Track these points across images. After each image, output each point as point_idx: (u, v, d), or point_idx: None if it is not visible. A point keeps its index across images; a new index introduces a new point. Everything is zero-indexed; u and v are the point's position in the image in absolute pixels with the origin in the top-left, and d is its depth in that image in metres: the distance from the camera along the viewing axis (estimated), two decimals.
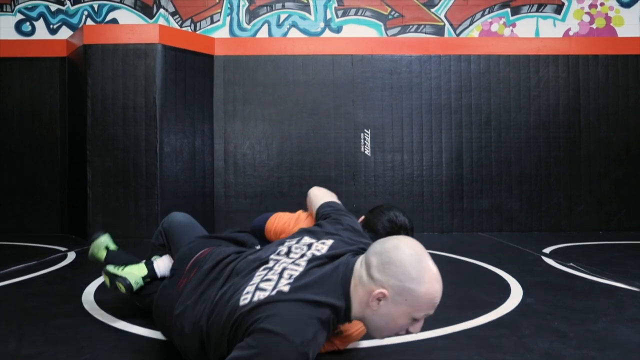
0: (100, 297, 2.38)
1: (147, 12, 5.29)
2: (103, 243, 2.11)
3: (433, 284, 1.15)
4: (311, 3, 5.29)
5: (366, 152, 5.13)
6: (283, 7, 5.28)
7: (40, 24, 5.34)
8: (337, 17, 5.31)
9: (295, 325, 1.07)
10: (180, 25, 5.30)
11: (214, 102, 5.18)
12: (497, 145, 5.14)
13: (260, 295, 1.15)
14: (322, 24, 5.30)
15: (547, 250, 3.88)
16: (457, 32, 5.29)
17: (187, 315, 1.30)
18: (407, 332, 1.23)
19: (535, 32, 5.31)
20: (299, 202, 5.08)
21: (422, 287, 1.14)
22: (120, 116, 4.68)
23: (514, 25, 5.30)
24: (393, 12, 5.27)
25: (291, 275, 1.20)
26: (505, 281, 2.73)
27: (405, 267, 1.14)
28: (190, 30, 5.29)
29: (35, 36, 5.34)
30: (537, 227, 5.12)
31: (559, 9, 5.31)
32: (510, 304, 2.23)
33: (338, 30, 5.30)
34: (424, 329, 1.84)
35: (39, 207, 5.22)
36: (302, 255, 1.31)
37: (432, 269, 1.17)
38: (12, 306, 2.25)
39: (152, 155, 4.68)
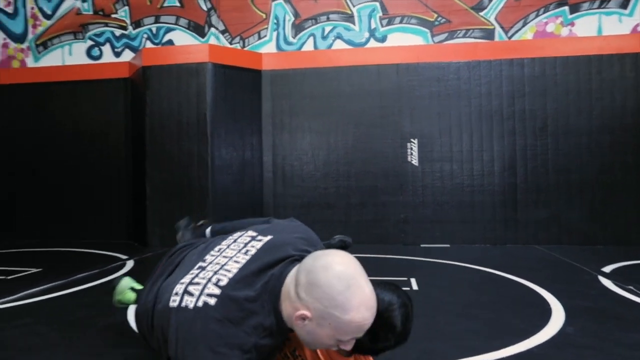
0: None
1: (199, 31, 5.58)
2: (125, 287, 2.04)
3: (360, 311, 1.07)
4: (355, 14, 5.30)
5: (413, 161, 5.05)
6: (328, 19, 5.34)
7: (106, 48, 5.82)
8: (382, 26, 5.27)
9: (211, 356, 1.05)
10: (230, 43, 5.53)
11: (262, 116, 5.34)
12: (554, 152, 4.83)
13: (187, 301, 1.12)
14: (366, 34, 5.29)
15: (607, 268, 3.59)
16: (509, 34, 5.05)
17: (142, 301, 1.34)
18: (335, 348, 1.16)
19: (597, 30, 4.94)
20: (346, 213, 5.15)
21: (347, 315, 1.06)
22: (175, 132, 4.98)
23: (572, 24, 4.96)
24: (439, 18, 5.14)
25: (218, 281, 1.16)
26: (548, 305, 2.58)
27: (331, 292, 1.06)
28: (239, 46, 5.50)
29: (103, 60, 5.82)
30: (601, 239, 4.75)
31: (625, 3, 4.89)
32: (546, 333, 2.11)
33: (383, 39, 5.26)
34: (441, 357, 1.82)
35: (108, 216, 5.67)
36: (237, 255, 1.26)
37: (362, 295, 1.07)
38: (69, 317, 2.48)
39: (204, 168, 4.92)
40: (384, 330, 1.24)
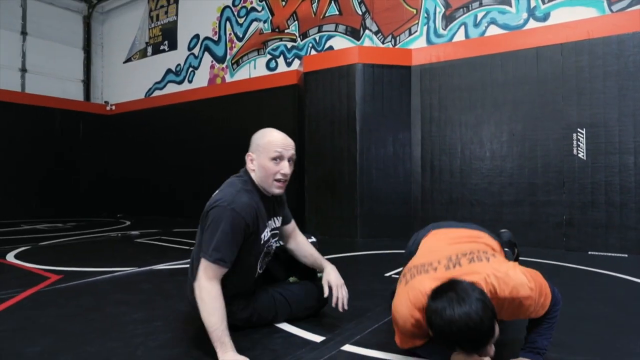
0: None
1: (355, 35, 5.93)
2: None
3: (273, 135, 1.81)
4: None
5: (580, 155, 4.34)
6: (480, 5, 5.01)
7: (280, 60, 6.70)
8: (544, 3, 4.67)
9: (227, 198, 1.74)
10: (383, 42, 5.71)
11: (411, 111, 5.36)
12: None
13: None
14: (524, 15, 4.77)
15: None
16: None
17: None
18: (281, 176, 1.80)
19: None
20: (497, 212, 4.79)
21: (264, 139, 1.81)
22: (328, 130, 5.44)
23: None
24: None
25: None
26: None
27: (256, 136, 1.85)
28: (390, 45, 5.64)
29: (278, 70, 6.73)
30: None
31: None
32: None
33: (545, 18, 4.66)
34: None
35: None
36: None
37: (273, 131, 1.84)
38: None
39: (352, 163, 5.24)
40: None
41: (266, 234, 1.88)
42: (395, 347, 1.81)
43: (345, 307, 1.97)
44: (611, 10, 4.35)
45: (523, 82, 4.64)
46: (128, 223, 7.09)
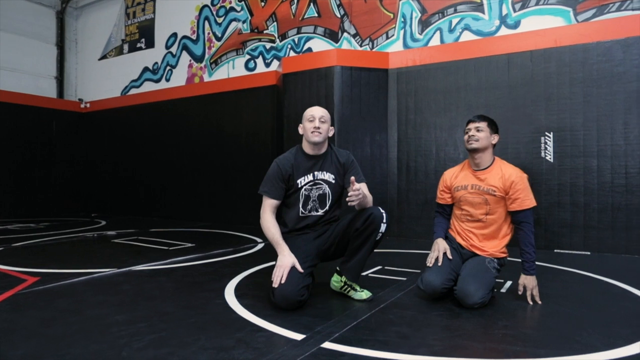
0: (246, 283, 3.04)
1: (334, 37, 6.01)
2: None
3: (308, 109, 2.60)
4: (485, 2, 5.00)
5: (547, 157, 4.55)
6: (455, 11, 5.17)
7: (259, 60, 6.73)
8: (515, 11, 4.86)
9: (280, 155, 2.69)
10: (361, 45, 5.81)
11: (388, 113, 5.48)
12: None
13: None
14: (497, 22, 4.95)
15: None
16: None
17: None
18: (313, 128, 2.53)
19: None
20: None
21: (305, 112, 2.60)
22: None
23: None
24: None
25: None
26: None
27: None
28: (368, 48, 5.75)
29: (257, 70, 6.75)
30: None
31: None
32: (615, 353, 1.83)
33: (515, 25, 4.85)
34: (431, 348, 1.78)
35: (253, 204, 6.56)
36: None
37: (311, 107, 2.63)
38: (190, 279, 3.13)
39: None
40: None
41: (304, 180, 2.60)
42: (374, 343, 1.91)
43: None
44: (577, 20, 4.56)
45: (495, 87, 4.82)
46: (103, 223, 7.00)
